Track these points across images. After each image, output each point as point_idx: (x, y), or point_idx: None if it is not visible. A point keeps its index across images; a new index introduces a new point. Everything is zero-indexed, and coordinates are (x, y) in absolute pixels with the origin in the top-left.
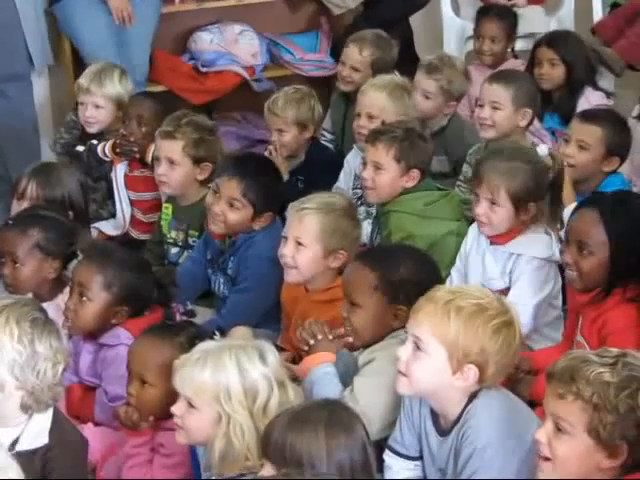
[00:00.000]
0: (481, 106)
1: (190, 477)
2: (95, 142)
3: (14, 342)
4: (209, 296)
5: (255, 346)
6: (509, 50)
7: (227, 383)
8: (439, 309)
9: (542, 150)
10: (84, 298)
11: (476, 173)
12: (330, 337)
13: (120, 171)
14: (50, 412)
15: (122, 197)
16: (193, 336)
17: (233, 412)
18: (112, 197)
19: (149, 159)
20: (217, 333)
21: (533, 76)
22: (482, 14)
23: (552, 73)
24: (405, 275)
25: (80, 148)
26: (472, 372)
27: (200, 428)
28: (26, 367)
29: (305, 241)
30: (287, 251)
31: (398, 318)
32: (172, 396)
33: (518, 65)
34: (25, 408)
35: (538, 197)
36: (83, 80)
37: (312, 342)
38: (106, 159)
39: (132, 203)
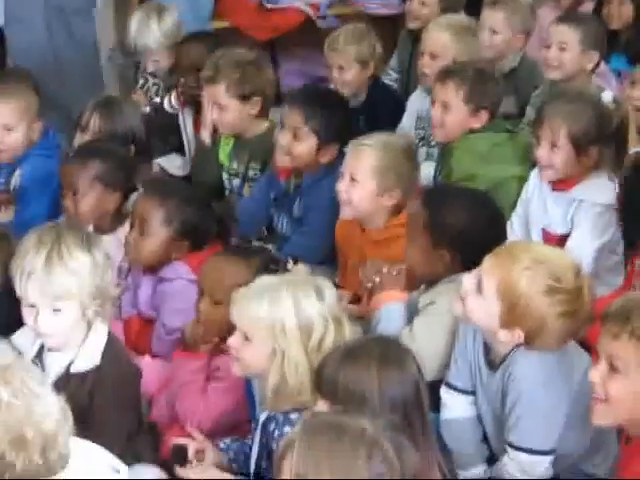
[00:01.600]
0: (548, 47)
1: (241, 405)
2: (157, 100)
3: (79, 253)
4: (272, 235)
5: (313, 283)
6: None
7: (282, 318)
8: (516, 271)
9: (607, 96)
10: (144, 232)
11: (538, 115)
12: (394, 273)
13: (188, 117)
14: (105, 334)
15: (191, 142)
16: (267, 260)
17: (287, 347)
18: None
19: None
20: (290, 261)
21: (601, 16)
22: None
23: (621, 12)
24: (453, 220)
25: (146, 109)
26: (518, 336)
27: (255, 361)
28: (89, 275)
29: (359, 177)
30: (342, 186)
31: (442, 263)
32: None
33: (590, 8)
34: (85, 320)
35: (600, 141)
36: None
37: (377, 279)
38: (175, 111)
39: None
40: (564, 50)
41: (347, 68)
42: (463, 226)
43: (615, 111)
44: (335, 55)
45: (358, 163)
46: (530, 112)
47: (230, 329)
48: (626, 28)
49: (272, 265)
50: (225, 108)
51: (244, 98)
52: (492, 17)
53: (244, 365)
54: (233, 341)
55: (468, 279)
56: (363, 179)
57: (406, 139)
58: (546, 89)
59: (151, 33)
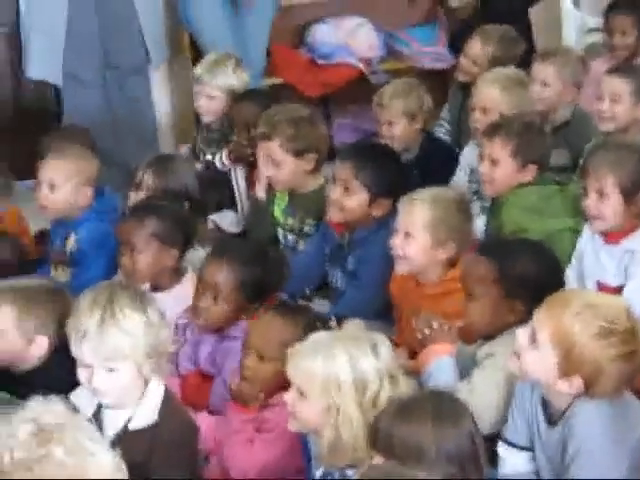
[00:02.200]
0: (601, 99)
1: (289, 456)
2: (209, 157)
3: (132, 313)
4: (323, 288)
5: (368, 338)
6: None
7: (337, 374)
8: (568, 317)
9: None
10: (218, 298)
11: (584, 165)
12: (446, 328)
13: (240, 174)
14: (162, 390)
15: (244, 200)
16: (314, 318)
17: (342, 403)
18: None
19: None
20: (333, 319)
21: None
22: (612, 7)
23: None
24: (524, 270)
25: (198, 166)
26: (578, 384)
27: (310, 417)
28: (143, 335)
29: (413, 231)
30: (396, 241)
31: (514, 313)
32: (285, 374)
33: None
34: (142, 378)
35: None
36: (198, 69)
37: (427, 331)
38: (225, 169)
39: None
40: (616, 102)
41: (395, 122)
42: (535, 275)
43: None
44: (382, 110)
45: (411, 217)
46: None
47: (275, 385)
48: None
49: (318, 323)
50: (280, 164)
51: (298, 154)
52: (543, 70)
53: (300, 420)
54: (288, 397)
55: (522, 333)
56: (417, 233)
57: (457, 192)
58: (599, 141)
59: (215, 75)
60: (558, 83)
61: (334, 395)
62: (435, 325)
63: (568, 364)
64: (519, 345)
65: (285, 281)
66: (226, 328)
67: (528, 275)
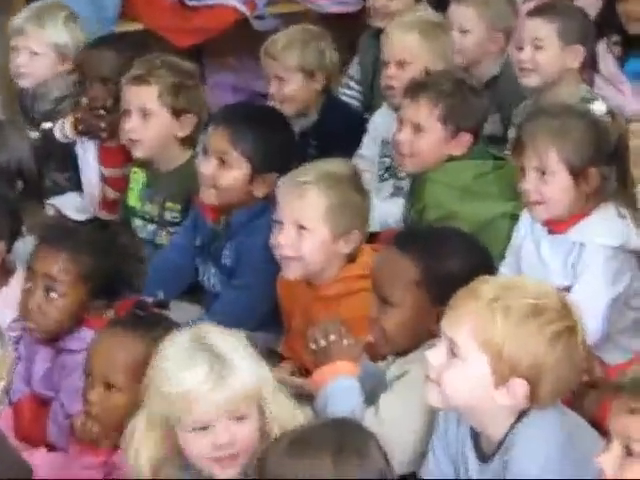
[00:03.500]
0: (520, 48)
1: None
2: (49, 125)
3: None
4: (195, 291)
5: None
6: None
7: None
8: (483, 308)
9: (598, 107)
10: (52, 293)
11: (517, 139)
12: (345, 342)
13: (88, 146)
14: None
15: (91, 175)
16: (171, 329)
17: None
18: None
19: None
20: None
21: (615, 13)
22: None
23: None
24: (456, 269)
25: (33, 134)
26: (520, 388)
27: None
28: None
29: (309, 224)
30: (286, 239)
31: (440, 322)
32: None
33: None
34: None
35: (600, 161)
36: (18, 20)
37: (322, 343)
38: (68, 141)
39: (105, 180)
40: (540, 49)
41: (287, 79)
42: (467, 276)
43: (613, 125)
44: (272, 63)
45: (304, 206)
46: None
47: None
48: None
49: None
50: (151, 116)
51: (176, 112)
52: (460, 13)
53: None
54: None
55: (434, 353)
56: (314, 225)
57: (348, 165)
58: (530, 102)
59: (42, 26)
60: (480, 29)
61: None
62: (333, 337)
63: (503, 365)
64: (434, 367)
65: (142, 276)
66: (64, 337)
67: (460, 276)
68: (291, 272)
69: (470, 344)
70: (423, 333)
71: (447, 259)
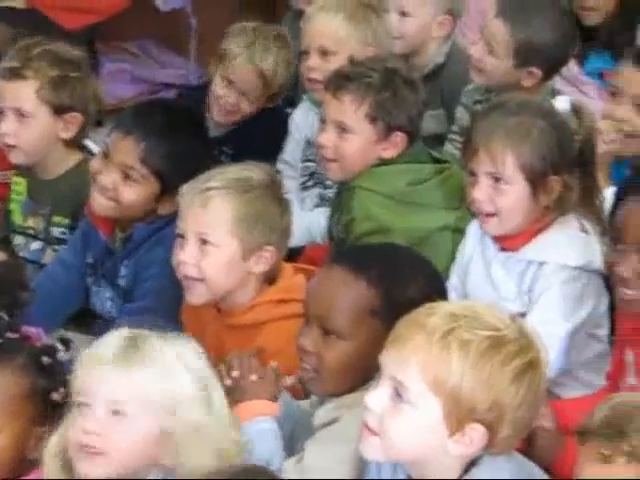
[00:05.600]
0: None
1: None
2: None
3: None
4: (84, 317)
5: None
6: None
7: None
8: (435, 343)
9: (562, 104)
10: None
11: (467, 139)
12: (253, 377)
13: None
14: None
15: None
16: (36, 354)
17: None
18: None
19: None
20: (59, 345)
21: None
22: None
23: (598, 3)
24: (417, 295)
25: None
26: (478, 434)
27: None
28: None
29: (214, 238)
30: (188, 256)
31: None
32: (25, 443)
33: None
34: None
35: (562, 167)
36: None
37: (228, 382)
38: None
39: None
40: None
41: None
42: (427, 299)
43: (578, 124)
44: None
45: (208, 217)
46: (462, 115)
47: (17, 463)
48: (606, 20)
49: (44, 357)
50: (29, 117)
51: (58, 110)
52: None
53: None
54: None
55: (375, 396)
56: (220, 240)
57: (265, 171)
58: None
59: None
60: (423, 12)
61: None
62: (246, 373)
63: (459, 409)
64: (376, 414)
65: (26, 302)
66: None
67: (420, 303)
68: (195, 296)
69: (419, 386)
70: (372, 371)
71: (408, 283)
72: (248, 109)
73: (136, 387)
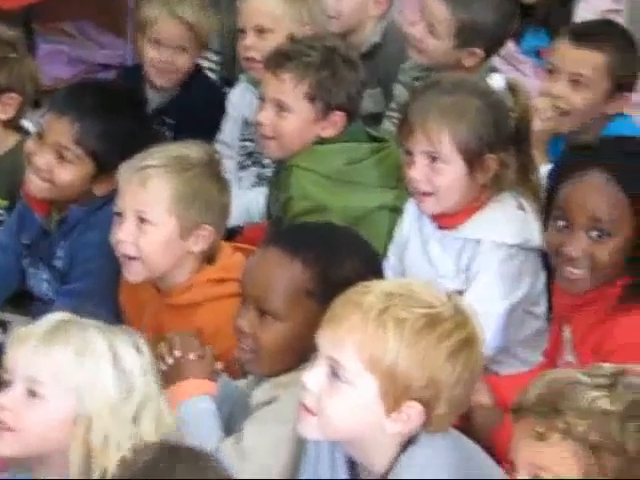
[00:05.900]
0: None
1: None
2: None
3: None
4: (24, 298)
5: None
6: None
7: None
8: (371, 321)
9: (497, 82)
10: None
11: (404, 118)
12: (192, 356)
13: None
14: None
15: None
16: None
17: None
18: None
19: None
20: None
21: None
22: None
23: None
24: (353, 275)
25: None
26: (415, 412)
27: None
28: None
29: (152, 216)
30: (125, 234)
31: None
32: None
33: None
34: None
35: (499, 145)
36: None
37: (170, 361)
38: None
39: None
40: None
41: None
42: (362, 279)
43: (514, 101)
44: None
45: (146, 196)
46: (400, 91)
47: None
48: None
49: None
50: None
51: None
52: None
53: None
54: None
55: (312, 375)
56: (158, 218)
57: (204, 149)
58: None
59: None
60: None
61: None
62: (179, 353)
63: (396, 387)
64: (313, 393)
65: None
66: None
67: (354, 280)
68: (133, 274)
69: (356, 365)
70: (309, 351)
71: (344, 263)
72: (185, 64)
73: (55, 367)
